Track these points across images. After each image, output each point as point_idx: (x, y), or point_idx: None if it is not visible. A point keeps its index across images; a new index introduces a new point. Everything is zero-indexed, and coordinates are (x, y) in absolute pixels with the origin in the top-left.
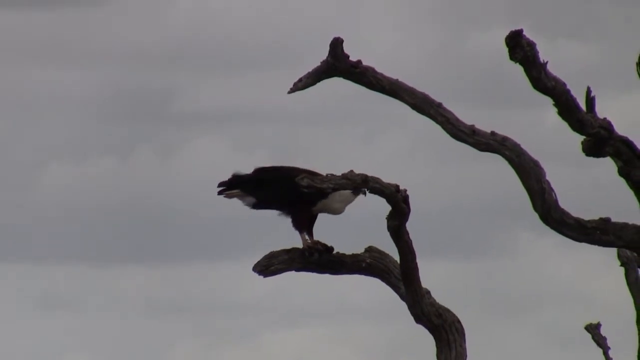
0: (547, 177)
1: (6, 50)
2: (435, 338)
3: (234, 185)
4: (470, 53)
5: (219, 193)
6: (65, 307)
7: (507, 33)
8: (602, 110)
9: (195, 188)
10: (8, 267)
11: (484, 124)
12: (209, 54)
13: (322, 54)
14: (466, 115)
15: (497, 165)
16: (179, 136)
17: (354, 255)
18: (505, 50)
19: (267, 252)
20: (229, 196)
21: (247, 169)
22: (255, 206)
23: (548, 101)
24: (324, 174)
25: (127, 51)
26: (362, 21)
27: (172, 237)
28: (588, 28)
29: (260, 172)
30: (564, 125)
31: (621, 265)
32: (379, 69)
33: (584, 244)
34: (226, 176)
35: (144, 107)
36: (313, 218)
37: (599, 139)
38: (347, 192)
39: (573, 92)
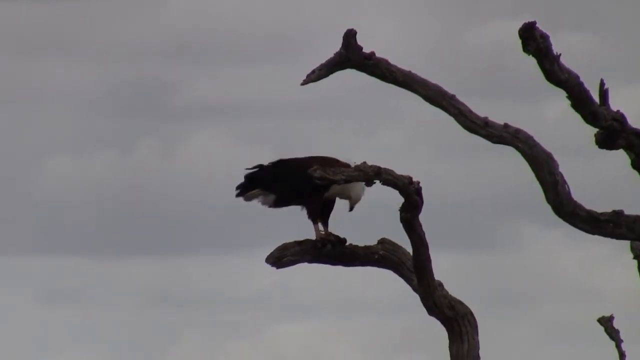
0: (560, 170)
1: (8, 43)
2: (447, 330)
3: (253, 185)
4: (480, 46)
5: (237, 195)
6: (70, 301)
7: (518, 26)
8: (616, 103)
9: (205, 181)
10: (13, 260)
11: (496, 116)
12: (213, 47)
13: (329, 46)
14: (478, 107)
15: (510, 158)
16: (184, 129)
17: (366, 247)
18: (518, 42)
19: (279, 243)
20: (249, 198)
21: (252, 162)
22: (276, 204)
23: (561, 93)
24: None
25: (131, 44)
26: (372, 13)
27: (184, 231)
28: (598, 20)
29: (278, 164)
30: (577, 117)
31: (634, 257)
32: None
33: (596, 237)
34: (235, 172)
35: (148, 100)
36: (328, 209)
37: (612, 132)
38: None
39: (586, 85)
